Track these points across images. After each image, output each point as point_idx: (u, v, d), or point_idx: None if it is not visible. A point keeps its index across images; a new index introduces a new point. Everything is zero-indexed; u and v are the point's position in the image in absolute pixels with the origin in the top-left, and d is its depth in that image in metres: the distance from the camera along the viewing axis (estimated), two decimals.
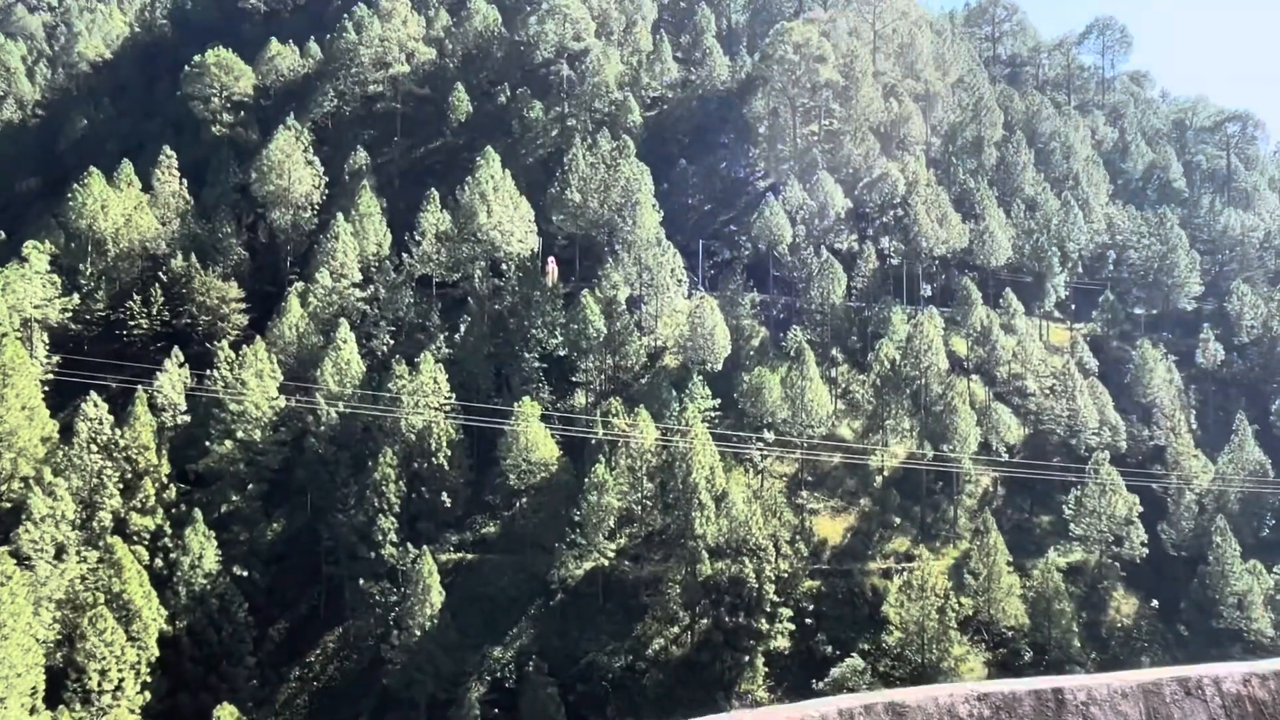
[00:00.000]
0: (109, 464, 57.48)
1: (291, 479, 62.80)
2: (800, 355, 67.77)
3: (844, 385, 71.98)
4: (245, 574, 57.73)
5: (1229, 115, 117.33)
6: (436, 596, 53.59)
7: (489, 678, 52.95)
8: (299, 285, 72.14)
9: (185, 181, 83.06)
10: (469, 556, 59.60)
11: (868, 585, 59.07)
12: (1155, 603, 62.72)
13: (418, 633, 52.74)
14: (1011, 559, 58.01)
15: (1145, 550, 62.15)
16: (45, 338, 67.23)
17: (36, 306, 68.03)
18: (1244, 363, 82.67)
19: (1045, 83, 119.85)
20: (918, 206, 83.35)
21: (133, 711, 47.51)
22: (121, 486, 58.03)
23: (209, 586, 54.31)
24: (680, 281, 75.68)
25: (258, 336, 67.22)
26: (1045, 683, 3.79)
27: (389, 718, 52.33)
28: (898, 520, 65.01)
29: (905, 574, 56.77)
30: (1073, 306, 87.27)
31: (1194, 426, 73.04)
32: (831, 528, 63.57)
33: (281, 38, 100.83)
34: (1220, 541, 61.40)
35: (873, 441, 67.55)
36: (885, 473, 67.14)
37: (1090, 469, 63.65)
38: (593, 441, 60.98)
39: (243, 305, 72.87)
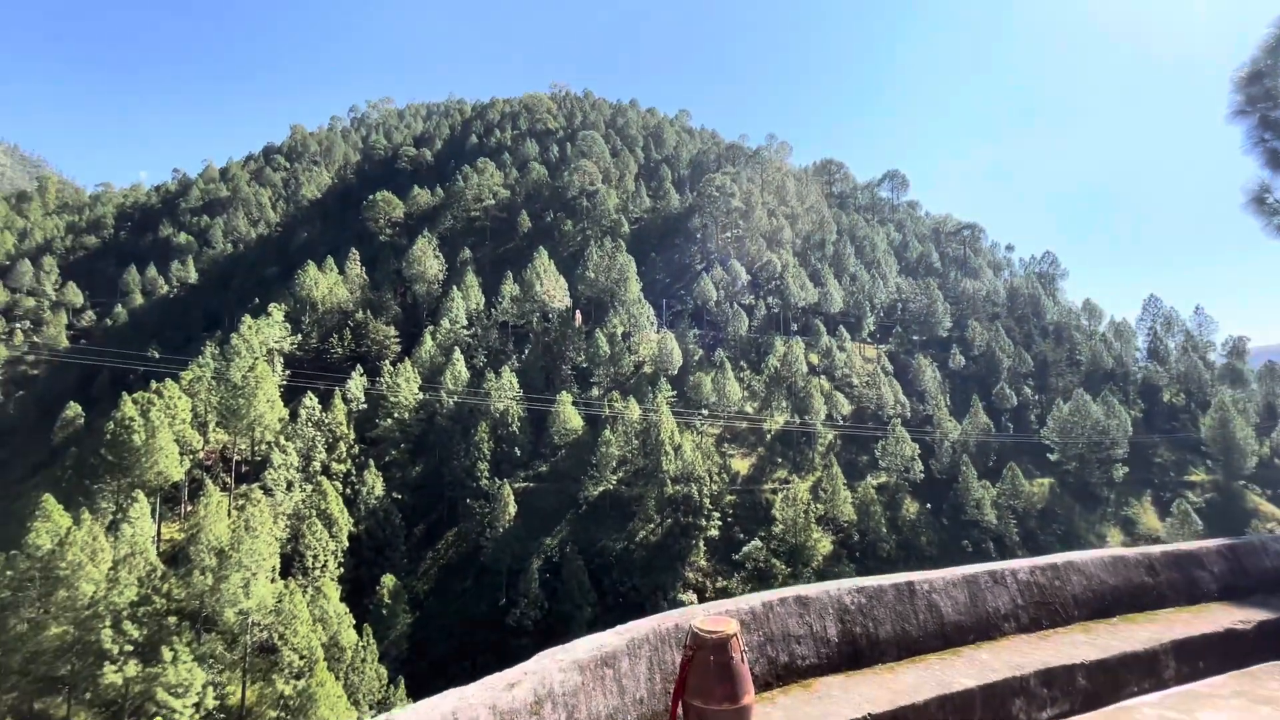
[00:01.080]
0: (318, 433, 56.32)
1: (427, 440, 61.78)
2: (722, 365, 67.42)
3: (748, 383, 71.64)
4: (399, 497, 56.51)
5: (964, 224, 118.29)
6: (511, 508, 52.62)
7: (543, 556, 51.94)
8: (430, 328, 71.30)
9: (364, 268, 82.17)
10: (530, 485, 58.64)
11: (763, 498, 58.58)
12: (929, 505, 62.41)
13: (500, 530, 51.75)
14: (846, 481, 57.75)
15: (923, 474, 62.03)
16: (281, 360, 66.14)
17: (276, 342, 66.89)
18: (975, 366, 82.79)
19: (860, 207, 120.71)
20: (788, 279, 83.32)
21: (332, 579, 46.20)
22: (326, 446, 56.89)
23: (377, 504, 53.14)
24: (652, 323, 75.30)
25: (406, 358, 66.23)
26: (901, 578, 3.26)
27: (483, 581, 51.27)
28: (780, 460, 64.58)
29: (785, 491, 56.35)
30: (878, 335, 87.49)
31: (949, 404, 73.19)
32: (742, 465, 63.12)
33: (420, 185, 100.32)
34: (965, 470, 61.35)
35: (765, 414, 67.24)
36: (772, 432, 66.77)
37: (890, 429, 63.52)
38: (603, 416, 60.32)
39: (397, 340, 71.94)
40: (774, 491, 58.89)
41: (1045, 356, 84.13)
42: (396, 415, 60.40)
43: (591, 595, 48.37)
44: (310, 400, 57.47)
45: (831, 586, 2.98)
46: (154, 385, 49.98)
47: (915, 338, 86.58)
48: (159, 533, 46.90)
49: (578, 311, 75.95)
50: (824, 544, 52.90)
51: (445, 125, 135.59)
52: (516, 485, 56.72)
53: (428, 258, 79.96)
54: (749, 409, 68.09)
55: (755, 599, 2.84)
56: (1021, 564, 3.60)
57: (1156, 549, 4.16)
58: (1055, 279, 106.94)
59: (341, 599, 44.55)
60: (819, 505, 55.71)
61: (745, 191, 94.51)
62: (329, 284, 75.36)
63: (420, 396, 61.90)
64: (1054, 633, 3.37)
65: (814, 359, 75.17)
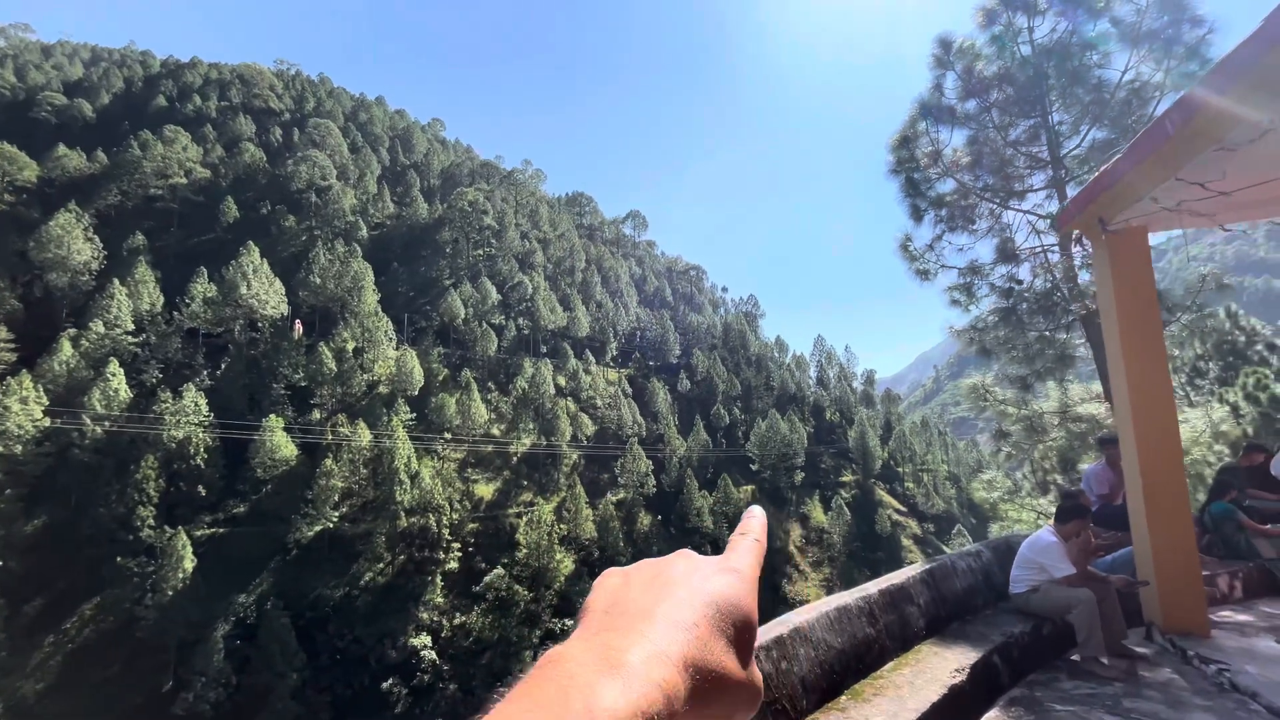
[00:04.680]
0: None
1: (55, 482, 45.48)
2: (469, 386, 63.99)
3: (495, 404, 69.27)
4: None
5: (692, 266, 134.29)
6: (189, 563, 41.39)
7: (233, 618, 41.77)
8: (72, 332, 53.43)
9: None
10: (220, 530, 47.09)
11: (508, 524, 56.54)
12: (660, 516, 67.06)
13: (170, 593, 40.25)
14: (588, 499, 59.08)
15: (655, 489, 66.76)
16: None
17: None
18: (698, 390, 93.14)
19: (606, 240, 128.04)
20: (539, 302, 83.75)
21: None
22: None
23: None
24: (391, 339, 67.94)
25: (26, 370, 48.17)
26: None
27: (140, 663, 38.98)
28: (526, 483, 63.33)
29: (529, 515, 55.26)
30: (619, 359, 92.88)
31: (677, 423, 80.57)
32: (486, 490, 60.20)
33: (72, 145, 75.87)
34: (689, 482, 67.71)
35: (511, 436, 65.61)
36: (518, 455, 65.36)
37: (628, 447, 67.28)
38: (324, 444, 51.98)
39: (12, 345, 52.10)
40: (519, 515, 57.36)
41: (750, 382, 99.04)
42: (2, 449, 43.34)
43: (300, 657, 40.45)
44: None
45: None
46: None
47: (651, 363, 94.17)
48: None
49: (298, 321, 64.98)
50: (566, 564, 52.97)
51: (119, 77, 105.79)
52: (199, 533, 45.19)
53: (75, 239, 60.23)
54: (496, 431, 65.73)
55: None
56: None
57: (874, 588, 3.96)
58: (757, 318, 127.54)
59: None
60: (562, 526, 55.83)
61: (499, 211, 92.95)
62: None
63: (46, 423, 45.55)
64: None
65: (561, 381, 76.31)
